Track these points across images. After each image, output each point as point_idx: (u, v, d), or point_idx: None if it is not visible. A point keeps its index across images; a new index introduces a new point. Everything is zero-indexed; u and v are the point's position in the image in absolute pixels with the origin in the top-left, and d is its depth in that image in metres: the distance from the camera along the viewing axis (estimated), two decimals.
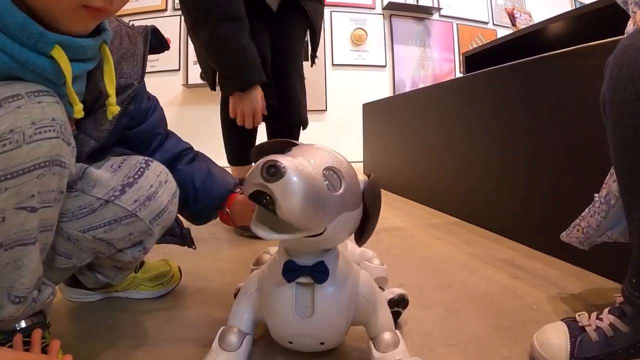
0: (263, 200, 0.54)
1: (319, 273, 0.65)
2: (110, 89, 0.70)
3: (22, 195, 0.54)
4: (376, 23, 5.08)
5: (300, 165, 0.54)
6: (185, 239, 1.02)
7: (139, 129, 0.91)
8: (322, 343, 0.70)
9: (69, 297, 1.03)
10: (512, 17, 4.72)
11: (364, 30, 5.04)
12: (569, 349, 0.67)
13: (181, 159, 0.99)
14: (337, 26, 4.98)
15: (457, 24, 5.25)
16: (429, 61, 5.12)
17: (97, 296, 1.04)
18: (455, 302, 0.99)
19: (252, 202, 0.57)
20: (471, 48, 2.53)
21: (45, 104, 0.55)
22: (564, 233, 0.87)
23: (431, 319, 0.91)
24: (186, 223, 1.02)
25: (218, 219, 1.06)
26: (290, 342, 0.70)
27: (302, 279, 0.66)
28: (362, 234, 0.66)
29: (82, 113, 0.62)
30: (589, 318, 0.72)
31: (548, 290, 1.02)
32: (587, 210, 0.82)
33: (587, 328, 0.70)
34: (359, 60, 4.98)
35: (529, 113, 1.40)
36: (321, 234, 0.59)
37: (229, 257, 1.41)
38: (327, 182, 0.57)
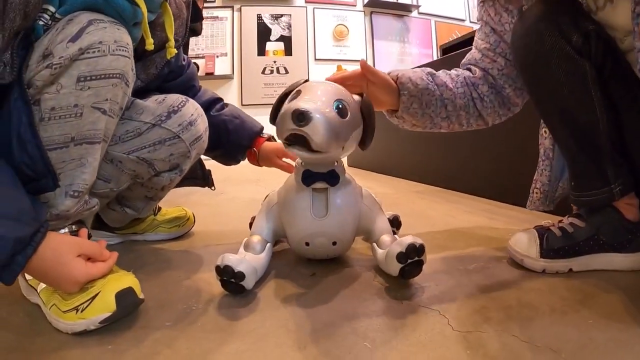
0: (297, 140, 0.70)
1: (332, 177, 0.81)
2: (170, 35, 0.86)
3: (99, 97, 0.66)
4: (357, 19, 5.25)
5: (319, 106, 0.69)
6: (206, 180, 1.17)
7: (177, 81, 1.07)
8: (334, 243, 0.84)
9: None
10: None
11: (346, 27, 5.21)
12: (538, 243, 0.82)
13: (214, 105, 1.16)
14: (319, 22, 5.14)
15: (435, 21, 5.47)
16: (408, 56, 5.32)
17: (117, 239, 1.15)
18: (441, 233, 1.15)
19: (286, 144, 0.72)
20: (449, 40, 2.68)
21: (122, 31, 0.68)
22: (527, 203, 0.99)
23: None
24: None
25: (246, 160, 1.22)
26: (307, 244, 0.84)
27: (317, 185, 0.80)
28: (365, 141, 0.81)
29: (153, 46, 0.79)
30: (553, 224, 0.87)
31: (523, 226, 1.17)
32: (536, 173, 0.96)
33: (551, 228, 0.85)
34: (340, 55, 5.14)
35: None
36: (341, 151, 0.76)
37: (239, 207, 1.54)
38: (337, 111, 0.72)
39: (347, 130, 0.74)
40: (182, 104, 0.89)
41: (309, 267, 0.88)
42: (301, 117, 0.66)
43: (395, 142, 2.54)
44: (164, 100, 0.89)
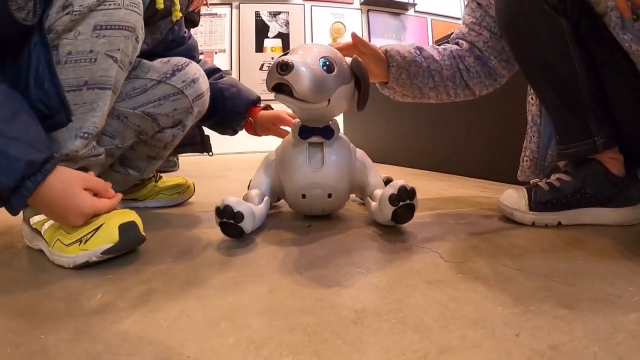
0: (282, 88, 0.74)
1: (327, 132, 0.84)
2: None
3: (113, 45, 0.69)
4: (354, 17, 5.28)
5: (302, 58, 0.73)
6: (204, 145, 1.19)
7: (178, 50, 1.10)
8: (329, 196, 0.86)
9: None
10: None
11: (343, 24, 5.24)
12: (527, 197, 0.85)
13: (212, 75, 1.19)
14: (317, 20, 5.17)
15: (431, 19, 5.50)
16: None
17: (118, 205, 1.16)
18: (434, 200, 1.17)
19: (273, 92, 0.76)
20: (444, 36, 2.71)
21: None
22: (518, 173, 1.02)
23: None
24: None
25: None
26: (304, 196, 0.86)
27: (313, 139, 0.84)
28: (359, 101, 0.84)
29: (162, 5, 0.85)
30: (540, 181, 0.90)
31: None
32: (525, 141, 0.99)
33: (539, 184, 0.88)
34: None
35: None
36: (328, 105, 0.78)
37: (238, 186, 1.56)
38: (324, 67, 0.76)
39: (333, 83, 0.77)
40: (185, 63, 0.93)
41: (305, 221, 0.91)
42: (284, 67, 0.71)
43: (385, 128, 2.57)
44: (168, 60, 0.93)
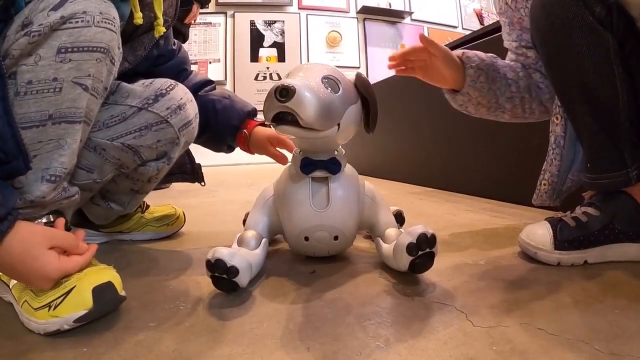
0: (285, 118, 0.64)
1: (333, 165, 0.74)
2: (159, 12, 0.80)
3: (81, 71, 0.60)
4: (350, 26, 5.23)
5: (303, 80, 0.64)
6: (196, 175, 1.10)
7: (168, 65, 1.01)
8: (335, 238, 0.77)
9: None
10: (480, 18, 4.93)
11: (339, 33, 5.19)
12: (552, 235, 0.76)
13: (203, 87, 1.08)
14: (312, 29, 5.11)
15: (427, 28, 5.44)
16: None
17: (102, 238, 1.07)
18: (444, 231, 1.08)
19: (273, 124, 0.66)
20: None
21: (109, 4, 0.62)
22: (534, 197, 0.93)
23: None
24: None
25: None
26: (307, 239, 0.77)
27: (317, 173, 0.74)
28: (368, 122, 0.76)
29: (142, 20, 0.74)
30: (565, 215, 0.82)
31: (528, 222, 1.11)
32: (545, 164, 0.90)
33: (564, 218, 0.79)
34: (334, 61, 5.09)
35: None
36: (338, 130, 0.69)
37: (232, 209, 1.47)
38: (328, 88, 0.67)
39: (341, 105, 0.68)
40: (170, 87, 0.83)
41: (309, 265, 0.81)
42: (284, 92, 0.61)
43: (387, 142, 2.48)
44: (151, 83, 0.83)
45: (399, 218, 0.97)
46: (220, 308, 0.63)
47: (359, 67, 5.17)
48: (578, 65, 0.72)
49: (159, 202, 1.18)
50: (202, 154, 1.20)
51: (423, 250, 0.64)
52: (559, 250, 0.76)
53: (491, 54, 0.93)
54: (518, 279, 0.70)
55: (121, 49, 0.67)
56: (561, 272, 0.73)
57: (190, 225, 1.21)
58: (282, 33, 5.02)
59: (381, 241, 0.77)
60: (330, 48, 5.15)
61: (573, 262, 0.75)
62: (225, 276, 0.63)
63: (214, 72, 4.80)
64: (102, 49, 0.61)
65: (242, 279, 0.65)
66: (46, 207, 0.64)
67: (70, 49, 0.58)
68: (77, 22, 0.57)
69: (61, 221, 0.65)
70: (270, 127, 1.07)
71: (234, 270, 0.63)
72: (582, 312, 0.56)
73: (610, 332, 0.50)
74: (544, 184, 0.89)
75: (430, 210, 1.39)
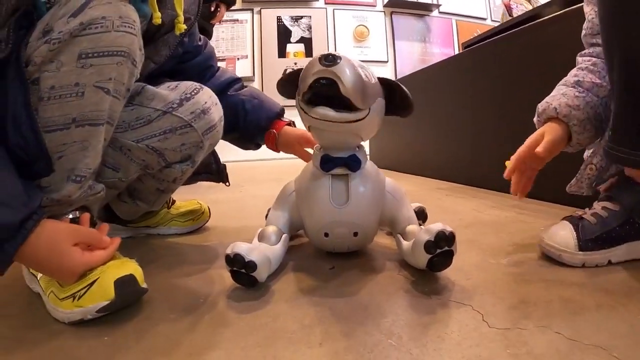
0: (324, 89, 0.64)
1: (353, 162, 0.74)
2: (179, 10, 0.80)
3: (102, 75, 0.61)
4: (378, 20, 5.18)
5: (346, 57, 0.64)
6: (221, 175, 1.11)
7: (194, 62, 1.02)
8: (355, 234, 0.77)
9: None
10: (509, 9, 4.81)
11: (366, 27, 5.14)
12: (575, 235, 0.75)
13: (231, 86, 1.08)
14: (339, 23, 5.08)
15: (456, 20, 5.36)
16: (430, 56, 5.21)
17: (129, 232, 1.10)
18: (469, 228, 1.07)
19: (307, 108, 0.66)
20: (471, 38, 2.58)
21: (128, 8, 0.63)
22: (572, 182, 0.87)
23: None
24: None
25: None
26: (326, 235, 0.78)
27: (337, 170, 0.74)
28: (403, 107, 0.74)
29: (160, 20, 0.74)
30: (584, 212, 0.79)
31: (554, 220, 1.09)
32: (596, 147, 0.84)
33: (584, 216, 0.77)
34: (361, 56, 5.05)
35: (523, 77, 1.49)
36: (366, 116, 0.68)
37: (259, 204, 1.49)
38: (364, 73, 0.67)
39: (372, 91, 0.69)
40: (195, 91, 0.84)
41: (328, 260, 0.82)
42: (330, 57, 0.62)
43: (416, 139, 2.46)
44: (176, 87, 0.84)
45: (421, 215, 0.97)
46: (239, 301, 0.64)
47: (386, 62, 5.13)
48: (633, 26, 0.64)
49: (186, 197, 1.20)
50: (229, 150, 1.22)
51: (441, 248, 0.63)
52: (583, 251, 0.74)
53: (571, 84, 0.85)
54: (539, 279, 0.69)
55: (143, 50, 0.69)
56: (585, 273, 0.71)
57: (215, 220, 1.23)
58: (309, 28, 5.01)
59: (401, 238, 0.77)
60: (358, 42, 5.12)
61: (597, 262, 0.74)
62: (243, 270, 0.64)
63: (242, 69, 4.83)
64: (122, 53, 0.62)
65: (261, 274, 0.66)
66: (72, 204, 0.66)
67: (90, 55, 0.59)
68: (96, 27, 0.58)
69: (86, 217, 0.67)
70: (295, 126, 1.08)
71: (252, 265, 0.64)
72: (603, 317, 0.55)
73: (631, 339, 0.49)
74: (591, 169, 0.84)
75: (456, 207, 1.37)
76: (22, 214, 0.53)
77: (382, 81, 0.73)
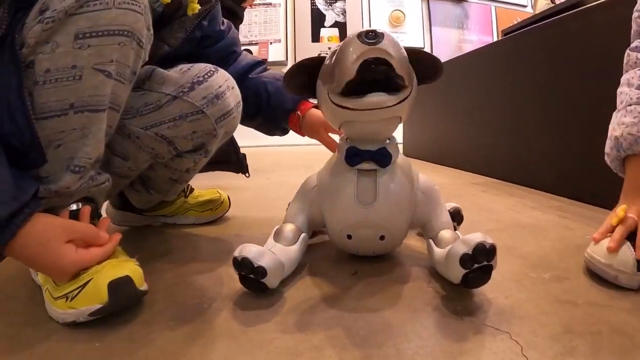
0: (375, 65, 0.56)
1: (383, 156, 0.66)
2: None
3: (102, 57, 0.55)
4: (414, 5, 4.99)
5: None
6: (240, 165, 1.05)
7: (217, 47, 0.95)
8: (382, 238, 0.69)
9: (116, 222, 1.04)
10: None
11: (402, 12, 4.98)
12: (633, 253, 0.64)
13: (253, 69, 1.01)
14: (374, 8, 4.94)
15: (495, 7, 5.13)
16: (467, 44, 5.00)
17: (144, 221, 1.06)
18: (507, 232, 0.97)
19: (361, 73, 0.56)
20: (511, 25, 2.44)
21: None
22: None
23: None
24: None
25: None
26: (349, 237, 0.70)
27: (364, 165, 0.66)
28: (432, 72, 0.66)
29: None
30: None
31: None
32: None
33: None
34: None
35: (567, 67, 1.36)
36: (410, 93, 0.61)
37: (284, 193, 1.43)
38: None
39: (412, 70, 0.61)
40: (209, 74, 0.77)
41: (351, 264, 0.75)
42: (371, 34, 0.55)
43: (452, 129, 2.34)
44: (189, 69, 0.77)
45: (457, 216, 0.88)
46: (246, 310, 0.58)
47: (422, 48, 4.95)
48: None
49: (208, 183, 1.15)
50: (256, 133, 1.14)
51: (479, 263, 0.54)
52: None
53: (636, 99, 0.75)
54: (587, 302, 0.59)
55: (151, 30, 0.62)
56: (637, 296, 0.61)
57: (236, 209, 1.18)
58: (344, 12, 4.89)
59: (433, 244, 0.69)
60: (393, 28, 4.96)
61: None
62: (252, 276, 0.58)
63: (275, 53, 4.77)
64: (125, 32, 0.56)
65: (271, 280, 0.59)
66: (73, 195, 0.61)
67: (88, 34, 0.53)
68: (95, 4, 0.53)
69: (86, 210, 0.63)
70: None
71: (262, 271, 0.57)
72: None
73: None
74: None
75: (493, 205, 1.27)
76: (11, 208, 0.48)
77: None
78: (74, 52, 0.53)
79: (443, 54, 4.88)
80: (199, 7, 0.77)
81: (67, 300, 0.54)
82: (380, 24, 4.93)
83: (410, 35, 4.96)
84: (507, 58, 1.78)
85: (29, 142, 0.54)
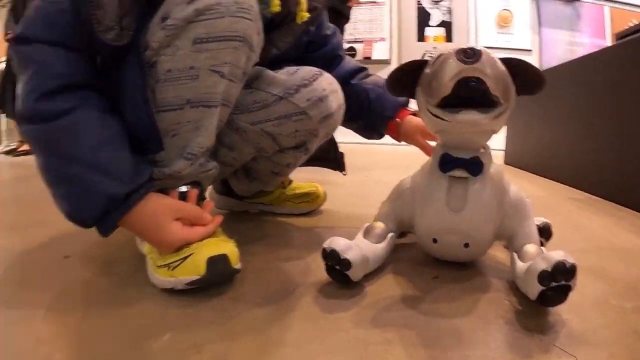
0: (471, 84, 0.57)
1: (475, 165, 0.67)
2: None
3: (217, 59, 0.62)
4: (523, 4, 4.76)
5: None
6: (338, 163, 1.11)
7: (321, 52, 1.01)
8: (466, 245, 0.70)
9: (218, 206, 1.14)
10: None
11: (510, 12, 4.77)
12: None
13: (356, 75, 1.05)
14: (482, 7, 4.77)
15: (609, 7, 4.74)
16: (579, 47, 4.66)
17: (243, 207, 1.15)
18: (596, 253, 0.92)
19: (456, 90, 0.58)
20: (626, 28, 2.25)
21: None
22: None
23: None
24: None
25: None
26: (435, 241, 0.72)
27: (456, 172, 0.67)
28: (533, 85, 0.65)
29: (279, 8, 0.75)
30: None
31: None
32: None
33: None
34: (504, 43, 4.68)
35: None
36: (507, 108, 0.62)
37: (379, 190, 1.47)
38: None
39: (510, 80, 0.62)
40: (314, 77, 0.83)
41: (434, 267, 0.76)
42: (470, 52, 0.55)
43: (555, 138, 2.20)
44: (295, 72, 0.83)
45: (545, 232, 0.85)
46: (328, 298, 0.62)
47: (530, 51, 4.71)
48: None
49: (309, 176, 1.21)
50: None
51: (557, 282, 0.54)
52: None
53: None
54: None
55: (262, 35, 0.68)
56: None
57: (332, 202, 1.23)
58: (450, 11, 4.78)
59: (517, 257, 0.68)
60: (501, 28, 4.76)
61: None
62: (337, 267, 0.62)
63: (380, 51, 4.79)
64: (238, 38, 0.62)
65: (355, 273, 0.63)
66: (183, 179, 0.69)
67: (205, 40, 0.60)
68: (212, 13, 0.60)
69: (193, 192, 0.70)
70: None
71: (347, 263, 0.61)
72: None
73: None
74: None
75: (586, 223, 1.21)
76: (129, 188, 0.58)
77: (505, 62, 0.63)
78: (192, 55, 0.61)
79: (552, 58, 4.62)
80: (308, 15, 0.82)
81: (168, 269, 0.61)
82: (487, 24, 4.77)
83: (517, 36, 4.75)
84: (621, 65, 1.65)
85: (148, 134, 0.63)
